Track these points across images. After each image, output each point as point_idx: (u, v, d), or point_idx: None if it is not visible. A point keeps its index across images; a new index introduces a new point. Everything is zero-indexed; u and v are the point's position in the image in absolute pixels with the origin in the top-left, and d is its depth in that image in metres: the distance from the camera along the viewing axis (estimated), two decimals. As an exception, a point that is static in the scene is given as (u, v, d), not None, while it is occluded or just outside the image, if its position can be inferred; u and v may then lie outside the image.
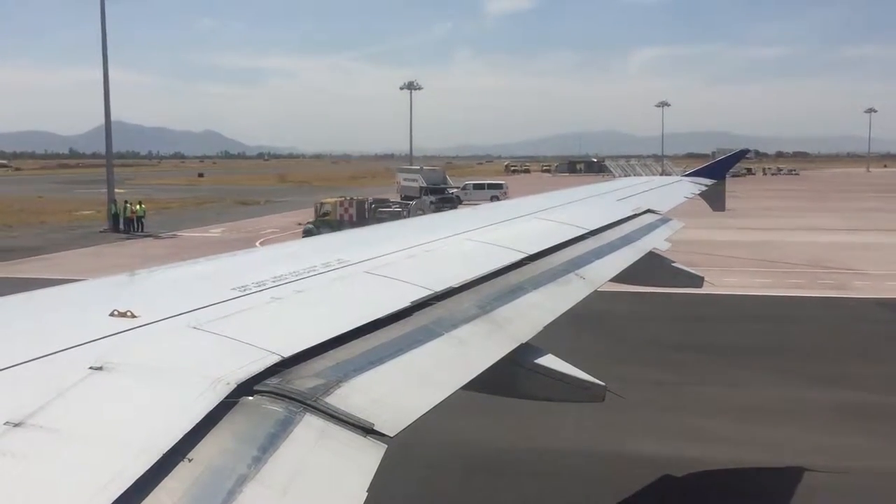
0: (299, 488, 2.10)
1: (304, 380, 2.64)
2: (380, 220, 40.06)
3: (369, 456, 2.37)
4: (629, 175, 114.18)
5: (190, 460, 2.01)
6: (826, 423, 13.66)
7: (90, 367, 2.40)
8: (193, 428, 2.12)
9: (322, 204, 43.20)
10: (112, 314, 2.93)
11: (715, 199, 12.47)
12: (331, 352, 2.94)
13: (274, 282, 3.72)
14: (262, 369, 2.57)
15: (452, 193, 65.24)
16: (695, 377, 16.34)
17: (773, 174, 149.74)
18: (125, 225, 48.13)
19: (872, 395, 15.11)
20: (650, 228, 7.83)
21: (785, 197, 79.09)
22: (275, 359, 2.68)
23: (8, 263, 33.62)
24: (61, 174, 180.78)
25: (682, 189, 11.66)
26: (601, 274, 5.57)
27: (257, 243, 37.07)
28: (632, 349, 18.53)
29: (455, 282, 4.19)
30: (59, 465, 1.89)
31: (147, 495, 1.84)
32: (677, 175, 16.45)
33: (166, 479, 1.92)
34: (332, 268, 4.16)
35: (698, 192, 11.83)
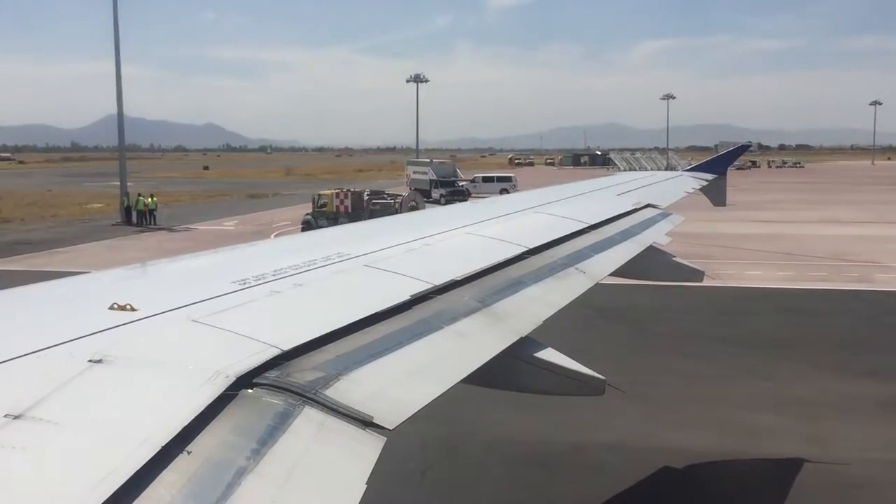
0: (298, 481, 2.11)
1: (303, 373, 2.65)
2: (372, 212, 40.93)
3: (369, 449, 2.38)
4: (634, 168, 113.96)
5: (189, 453, 2.02)
6: (871, 416, 13.51)
7: (89, 360, 2.40)
8: (193, 420, 2.13)
9: (320, 196, 43.60)
10: (112, 307, 2.94)
11: (716, 194, 12.46)
12: (330, 345, 2.94)
13: (274, 275, 3.72)
14: (262, 362, 2.58)
15: (462, 186, 65.20)
16: (732, 370, 16.26)
17: (777, 167, 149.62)
18: (138, 218, 48.05)
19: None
20: (650, 223, 7.83)
21: (794, 189, 78.82)
22: (274, 352, 2.68)
23: (26, 257, 33.69)
24: (66, 167, 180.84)
25: (683, 184, 11.65)
26: (601, 268, 5.57)
27: (272, 236, 37.17)
28: (665, 342, 18.52)
29: (455, 275, 4.20)
30: (59, 457, 1.90)
31: (146, 488, 1.85)
32: (682, 167, 16.43)
33: (165, 471, 1.93)
34: (332, 261, 4.17)
35: (699, 186, 11.81)
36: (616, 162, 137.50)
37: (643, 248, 6.81)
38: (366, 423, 2.49)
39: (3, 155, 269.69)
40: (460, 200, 46.02)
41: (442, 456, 11.88)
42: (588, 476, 11.34)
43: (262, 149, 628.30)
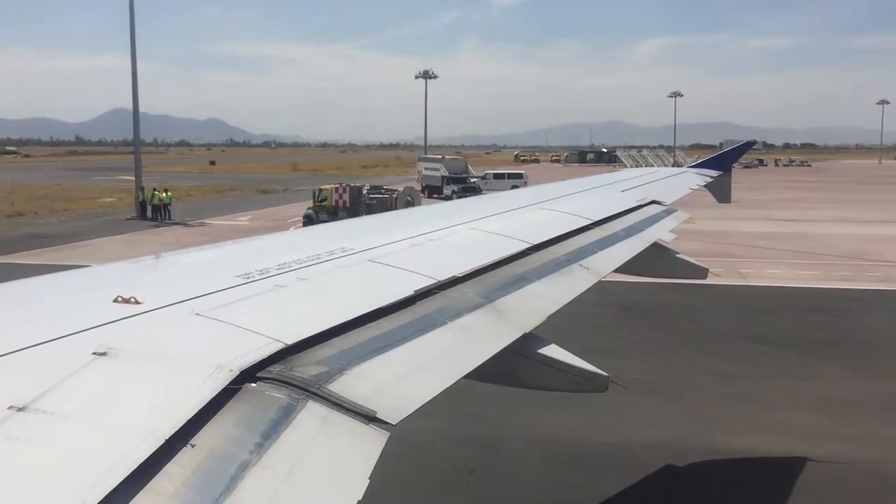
0: (301, 475, 2.11)
1: (307, 367, 2.64)
2: (369, 206, 41.85)
3: (372, 444, 2.37)
4: (641, 165, 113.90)
5: (193, 446, 2.02)
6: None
7: (94, 353, 2.41)
8: (196, 414, 2.13)
9: (320, 190, 44.37)
10: (116, 300, 2.94)
11: (720, 190, 12.43)
12: (334, 340, 2.94)
13: (278, 269, 3.72)
14: (266, 356, 2.58)
15: (473, 182, 65.21)
16: (765, 370, 16.20)
17: (784, 165, 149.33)
18: (153, 213, 48.01)
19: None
20: (655, 219, 7.81)
21: (805, 188, 78.55)
22: (278, 346, 2.68)
23: (46, 250, 33.69)
24: (72, 161, 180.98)
25: (688, 180, 11.63)
26: (605, 264, 5.56)
27: (289, 230, 37.12)
28: (695, 341, 18.48)
29: (459, 271, 4.19)
30: (63, 449, 1.90)
31: (150, 480, 1.85)
32: (689, 165, 16.41)
33: (169, 464, 1.93)
34: (336, 256, 4.16)
35: (704, 183, 11.78)
36: (623, 159, 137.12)
37: (647, 244, 6.80)
38: (369, 417, 2.48)
39: (8, 148, 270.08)
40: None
41: (487, 455, 11.87)
42: (637, 477, 11.29)
43: (266, 144, 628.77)
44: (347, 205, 42.66)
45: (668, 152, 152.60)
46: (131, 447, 1.91)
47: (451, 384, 3.00)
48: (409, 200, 45.47)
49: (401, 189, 48.21)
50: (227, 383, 2.33)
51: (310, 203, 45.25)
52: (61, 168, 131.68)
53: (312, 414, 2.39)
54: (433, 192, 65.16)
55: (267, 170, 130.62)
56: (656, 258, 7.45)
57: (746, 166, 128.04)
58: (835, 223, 44.10)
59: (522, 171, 75.41)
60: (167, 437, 1.98)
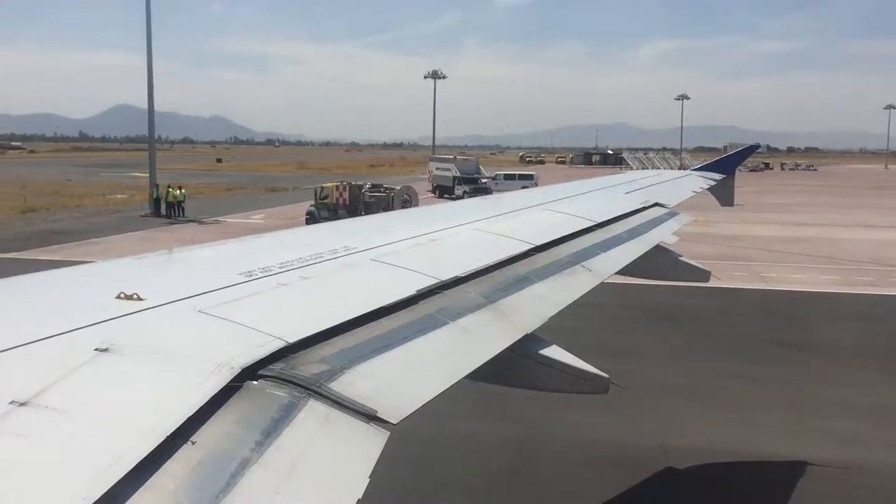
0: (301, 473, 2.11)
1: (308, 366, 2.65)
2: (367, 204, 42.98)
3: (372, 443, 2.37)
4: (647, 168, 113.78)
5: (193, 443, 2.03)
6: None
7: (96, 349, 2.41)
8: (197, 411, 2.13)
9: (322, 188, 45.40)
10: (119, 296, 2.94)
11: (723, 193, 12.41)
12: (336, 338, 2.94)
13: (280, 268, 3.72)
14: (267, 354, 2.58)
15: (484, 183, 65.11)
16: (799, 375, 16.14)
17: (791, 169, 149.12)
18: (167, 210, 48.01)
19: None
20: (658, 222, 7.80)
21: (814, 192, 78.40)
22: (280, 344, 2.68)
23: (64, 247, 33.69)
24: (78, 157, 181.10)
25: (691, 183, 11.61)
26: (608, 266, 5.56)
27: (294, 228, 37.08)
28: (726, 346, 18.42)
29: (461, 271, 4.19)
30: (64, 445, 1.91)
31: (150, 477, 1.85)
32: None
33: (169, 461, 1.93)
34: (339, 255, 4.16)
35: (707, 186, 11.77)
36: (629, 161, 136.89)
37: (650, 247, 6.79)
38: (370, 417, 2.48)
39: (13, 144, 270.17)
40: None
41: (528, 459, 11.86)
42: (681, 481, 11.31)
43: (270, 142, 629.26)
44: (347, 202, 43.76)
45: (675, 155, 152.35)
46: (132, 443, 1.91)
47: (452, 384, 2.99)
48: (405, 199, 46.15)
49: (398, 188, 48.80)
50: (228, 381, 2.34)
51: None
52: (68, 164, 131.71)
53: (313, 412, 2.39)
54: (444, 192, 64.97)
55: (273, 168, 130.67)
56: (659, 261, 7.45)
57: (752, 170, 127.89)
58: (849, 228, 43.97)
59: (533, 172, 75.10)
60: (168, 434, 1.99)
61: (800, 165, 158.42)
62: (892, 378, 15.97)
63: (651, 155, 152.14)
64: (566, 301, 4.51)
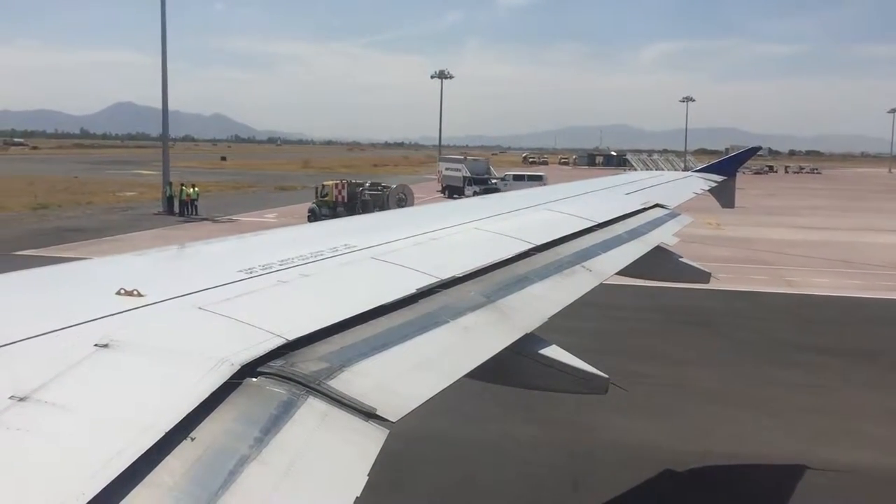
0: (300, 470, 2.11)
1: (307, 363, 2.65)
2: (364, 202, 44.22)
3: (371, 441, 2.37)
4: (651, 170, 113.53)
5: (192, 439, 2.03)
6: None
7: (96, 345, 2.41)
8: (197, 407, 2.13)
9: (323, 186, 46.72)
10: (119, 292, 2.94)
11: (725, 195, 12.41)
12: (335, 336, 2.94)
13: (280, 265, 3.72)
14: (267, 351, 2.58)
15: (494, 183, 65.07)
16: (836, 380, 16.05)
17: (794, 172, 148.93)
18: (180, 208, 48.05)
19: None
20: (658, 223, 7.80)
21: (822, 196, 78.17)
22: (279, 341, 2.68)
23: (82, 244, 33.60)
24: (81, 154, 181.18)
25: (692, 184, 11.61)
26: (608, 267, 5.56)
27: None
28: (760, 350, 18.34)
29: (461, 270, 4.19)
30: (63, 440, 1.91)
31: (149, 473, 1.85)
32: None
33: (168, 457, 1.93)
34: (339, 253, 4.16)
35: (708, 188, 11.77)
36: (633, 163, 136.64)
37: (650, 248, 6.78)
38: (369, 415, 2.48)
39: (16, 140, 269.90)
40: None
41: (584, 463, 11.84)
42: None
43: (272, 141, 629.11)
44: (346, 200, 45.11)
45: (679, 157, 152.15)
46: (131, 439, 1.91)
47: (451, 383, 2.99)
48: (401, 198, 47.06)
49: (393, 187, 49.74)
50: (227, 377, 2.34)
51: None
52: (73, 161, 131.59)
53: (312, 410, 2.40)
54: (454, 192, 64.72)
55: (278, 167, 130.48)
56: (659, 261, 7.44)
57: (757, 172, 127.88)
58: (861, 232, 43.86)
59: (543, 174, 74.83)
60: (167, 430, 1.99)
61: (803, 168, 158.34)
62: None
63: (655, 157, 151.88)
64: (566, 301, 4.51)
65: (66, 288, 3.31)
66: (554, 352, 4.00)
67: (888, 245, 37.89)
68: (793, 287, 26.34)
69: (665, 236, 7.50)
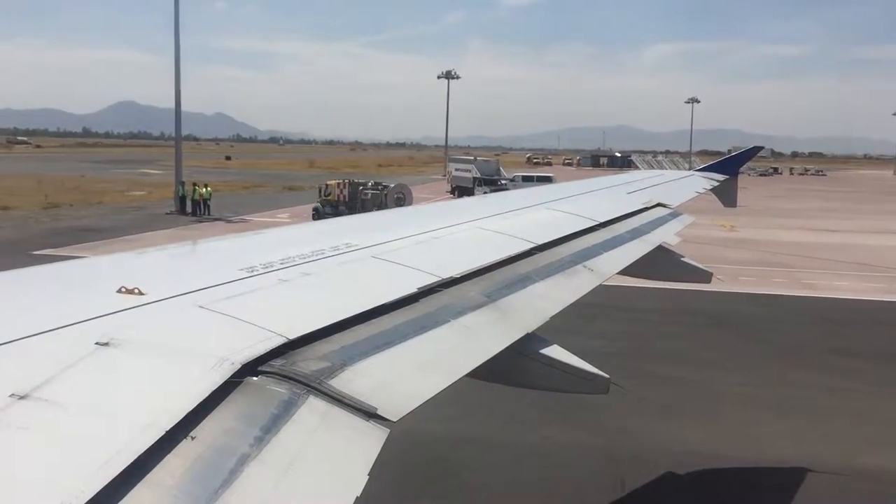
0: (300, 469, 2.11)
1: (308, 362, 2.64)
2: (363, 201, 45.31)
3: (371, 440, 2.37)
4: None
5: (193, 438, 2.02)
6: None
7: (96, 343, 2.41)
8: (197, 406, 2.13)
9: (327, 186, 48.02)
10: (120, 291, 2.94)
11: (726, 195, 12.39)
12: (336, 335, 2.94)
13: (282, 264, 3.72)
14: (268, 350, 2.58)
15: (504, 184, 65.06)
16: (867, 384, 15.96)
17: (800, 174, 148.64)
18: (193, 208, 48.06)
19: None
20: (660, 222, 7.79)
21: (829, 198, 77.92)
22: (280, 340, 2.68)
23: (99, 244, 33.48)
24: (85, 153, 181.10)
25: (694, 184, 11.59)
26: (609, 266, 5.55)
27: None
28: (786, 354, 18.30)
29: (462, 269, 4.19)
30: (63, 439, 1.90)
31: (149, 471, 1.85)
32: None
33: (169, 455, 1.93)
34: (340, 252, 4.16)
35: (710, 187, 11.75)
36: (638, 164, 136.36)
37: (652, 247, 6.78)
38: (369, 414, 2.48)
39: (20, 139, 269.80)
40: None
41: (634, 469, 11.80)
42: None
43: (274, 140, 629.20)
44: (346, 199, 46.49)
45: (684, 158, 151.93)
46: (131, 438, 1.91)
47: (452, 382, 2.99)
48: (399, 197, 47.84)
49: (392, 186, 50.55)
50: (228, 376, 2.33)
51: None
52: (77, 160, 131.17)
53: (313, 409, 2.39)
54: (464, 193, 64.55)
55: (283, 166, 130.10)
56: (661, 261, 7.43)
57: (762, 174, 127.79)
58: (875, 235, 43.74)
59: (552, 175, 74.64)
60: (168, 429, 1.98)
61: (808, 170, 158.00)
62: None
63: (660, 158, 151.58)
64: (567, 301, 4.50)
65: (67, 286, 3.31)
66: (555, 351, 4.00)
67: (902, 247, 37.71)
68: (815, 290, 26.26)
69: (667, 236, 7.49)
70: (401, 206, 42.56)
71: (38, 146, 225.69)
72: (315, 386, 2.50)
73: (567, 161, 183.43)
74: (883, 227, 48.48)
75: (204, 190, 48.47)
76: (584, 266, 5.22)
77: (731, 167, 13.11)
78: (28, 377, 2.11)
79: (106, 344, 2.41)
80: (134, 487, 1.78)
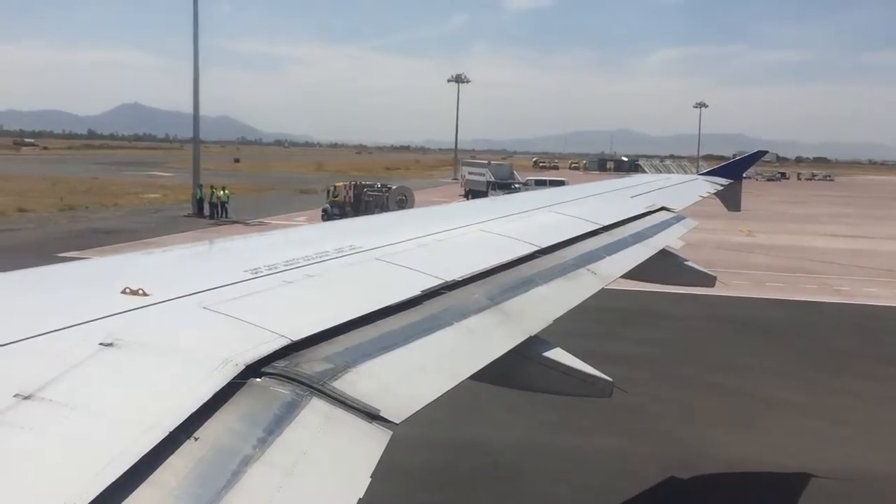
0: (303, 471, 2.11)
1: (312, 364, 2.64)
2: (367, 202, 46.71)
3: (374, 442, 2.37)
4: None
5: (196, 439, 2.02)
6: None
7: (100, 344, 2.41)
8: (200, 407, 2.13)
9: (335, 187, 49.26)
10: (124, 291, 2.94)
11: (730, 199, 12.37)
12: (340, 337, 2.94)
13: (286, 265, 3.72)
14: (271, 352, 2.58)
15: (517, 188, 65.17)
16: None
17: (807, 179, 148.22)
18: (210, 210, 48.18)
19: None
20: (664, 226, 7.78)
21: (840, 203, 77.57)
22: (284, 342, 2.68)
23: (122, 246, 33.32)
24: (93, 155, 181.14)
25: (698, 188, 11.59)
26: (613, 270, 5.55)
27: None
28: (827, 362, 18.17)
29: (466, 272, 4.19)
30: (66, 439, 1.91)
31: (153, 472, 1.85)
32: None
33: (172, 456, 1.93)
34: (344, 253, 4.16)
35: (714, 191, 11.74)
36: (646, 168, 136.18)
37: (656, 251, 6.77)
38: (372, 416, 2.48)
39: (27, 140, 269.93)
40: None
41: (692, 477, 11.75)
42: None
43: (278, 143, 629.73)
44: (352, 200, 47.73)
45: (692, 162, 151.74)
46: (135, 439, 1.91)
47: (455, 385, 2.99)
48: (401, 199, 48.99)
49: (394, 187, 51.64)
50: (232, 377, 2.34)
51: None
52: (85, 162, 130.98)
53: (316, 411, 2.39)
54: (477, 196, 64.61)
55: (291, 169, 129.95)
56: (664, 265, 7.43)
57: (769, 179, 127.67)
58: (894, 241, 43.50)
59: (564, 179, 74.57)
60: (171, 430, 1.98)
61: (816, 175, 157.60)
62: None
63: (668, 162, 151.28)
64: (571, 304, 4.50)
65: (71, 287, 3.31)
66: (558, 354, 4.00)
67: (924, 253, 37.49)
68: (845, 297, 26.10)
69: (670, 239, 7.49)
70: (403, 207, 43.47)
71: (45, 148, 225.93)
72: (318, 387, 2.50)
73: (574, 165, 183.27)
74: (896, 232, 48.31)
75: (222, 192, 48.70)
76: (588, 269, 5.22)
77: (735, 171, 13.09)
78: (32, 377, 2.11)
79: (110, 345, 2.42)
80: (137, 488, 1.79)
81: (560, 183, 68.23)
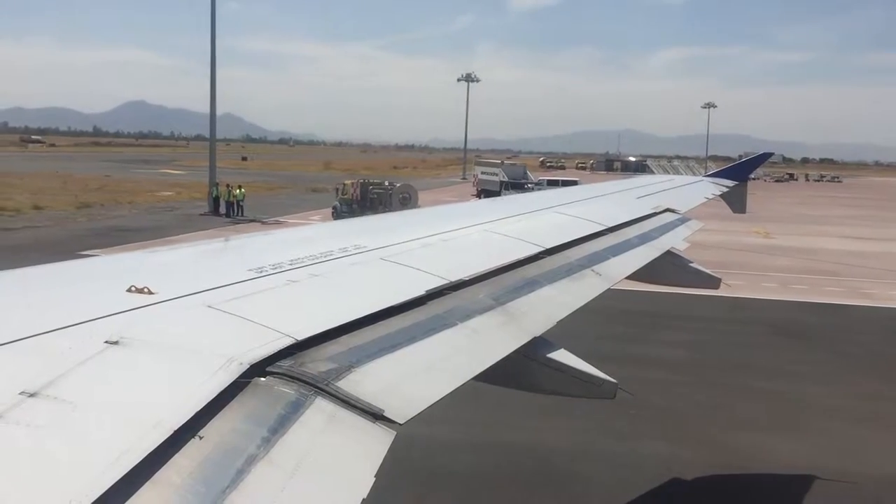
0: (307, 471, 2.11)
1: (316, 363, 2.64)
2: (371, 200, 48.17)
3: (378, 442, 2.37)
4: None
5: (201, 438, 2.03)
6: None
7: (106, 342, 2.41)
8: (205, 406, 2.13)
9: (344, 185, 51.20)
10: (129, 290, 2.95)
11: (736, 200, 12.34)
12: (344, 337, 2.94)
13: (290, 265, 3.72)
14: (276, 351, 2.58)
15: (530, 188, 65.14)
16: None
17: (815, 180, 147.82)
18: (227, 209, 48.58)
19: None
20: (669, 227, 7.77)
21: (852, 205, 77.15)
22: (288, 341, 2.68)
23: (142, 244, 32.88)
24: (100, 152, 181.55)
25: (703, 189, 11.57)
26: (618, 271, 5.54)
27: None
28: (866, 365, 18.05)
29: (471, 272, 4.18)
30: (72, 436, 1.91)
31: (157, 471, 1.86)
32: None
33: (177, 455, 1.93)
34: (349, 253, 4.16)
35: (719, 192, 11.72)
36: (654, 169, 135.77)
37: (660, 252, 6.76)
38: (376, 416, 2.48)
39: (34, 137, 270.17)
40: None
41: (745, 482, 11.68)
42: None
43: (284, 141, 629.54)
44: (358, 197, 49.31)
45: (698, 163, 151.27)
46: (140, 437, 1.92)
47: (459, 385, 2.99)
48: (404, 197, 50.17)
49: (397, 185, 52.79)
50: (236, 376, 2.34)
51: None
52: (94, 159, 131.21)
53: (320, 410, 2.39)
54: (490, 196, 64.56)
55: (299, 167, 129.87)
56: (669, 266, 7.41)
57: (778, 180, 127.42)
58: None
59: (577, 179, 74.41)
60: (176, 429, 1.99)
61: (824, 177, 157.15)
62: None
63: (676, 163, 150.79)
64: (575, 305, 4.49)
65: (77, 285, 3.32)
66: (562, 356, 3.99)
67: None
68: (874, 300, 25.87)
69: (675, 241, 7.47)
70: (406, 205, 44.87)
71: (52, 145, 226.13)
72: (322, 387, 2.50)
73: (581, 165, 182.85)
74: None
75: (238, 191, 49.24)
76: (593, 270, 5.21)
77: (740, 173, 13.06)
78: (37, 375, 2.12)
79: (115, 343, 2.42)
80: (142, 486, 1.79)
81: (573, 183, 68.12)
